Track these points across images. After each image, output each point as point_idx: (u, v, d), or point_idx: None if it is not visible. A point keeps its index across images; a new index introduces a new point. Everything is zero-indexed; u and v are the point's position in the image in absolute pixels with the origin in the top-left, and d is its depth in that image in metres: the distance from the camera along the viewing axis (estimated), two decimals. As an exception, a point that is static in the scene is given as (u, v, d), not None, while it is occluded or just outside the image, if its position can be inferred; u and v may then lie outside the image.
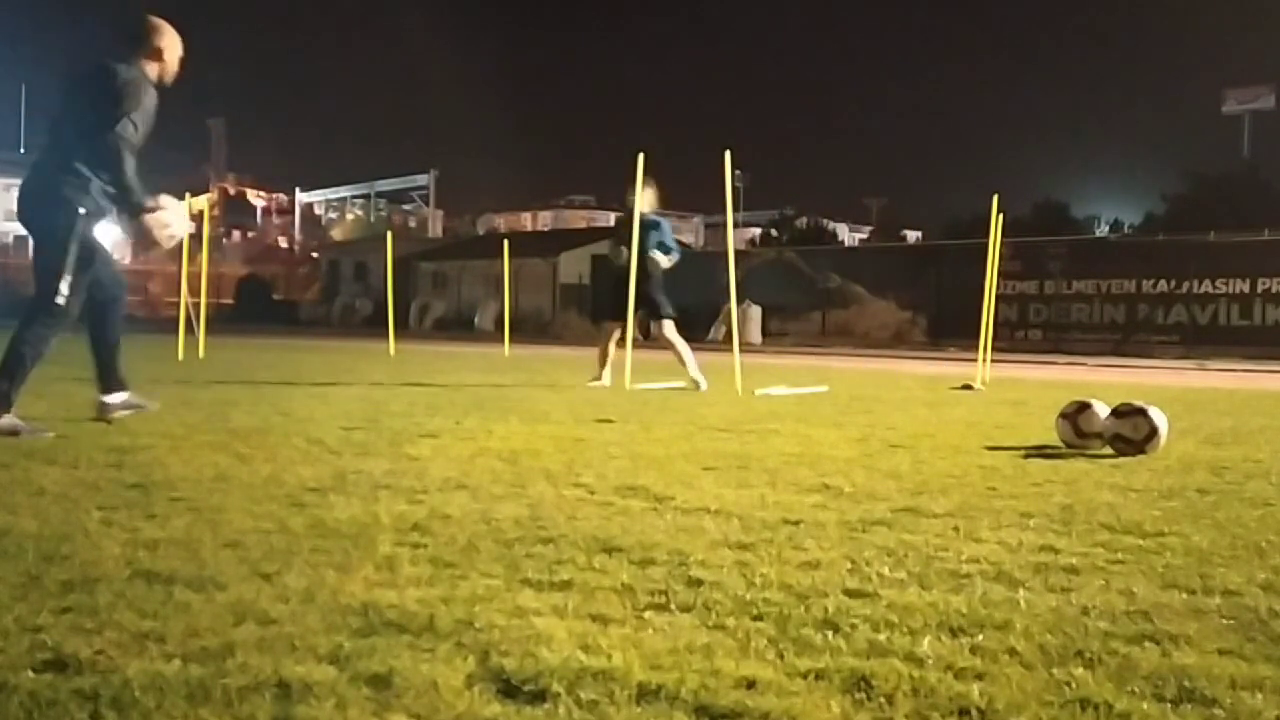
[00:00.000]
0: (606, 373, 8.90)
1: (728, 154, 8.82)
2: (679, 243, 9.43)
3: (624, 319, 8.80)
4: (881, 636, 1.96)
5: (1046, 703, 1.65)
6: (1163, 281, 24.25)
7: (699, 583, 2.31)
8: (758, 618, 2.07)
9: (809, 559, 2.57)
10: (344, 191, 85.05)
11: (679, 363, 8.96)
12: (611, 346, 9.00)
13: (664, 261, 8.91)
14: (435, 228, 76.75)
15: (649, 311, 8.98)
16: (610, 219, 65.23)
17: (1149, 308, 24.49)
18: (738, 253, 13.74)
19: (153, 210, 4.91)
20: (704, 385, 8.63)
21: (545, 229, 69.06)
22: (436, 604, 2.08)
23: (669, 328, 8.99)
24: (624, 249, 8.85)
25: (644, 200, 8.97)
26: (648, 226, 8.91)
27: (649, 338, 9.33)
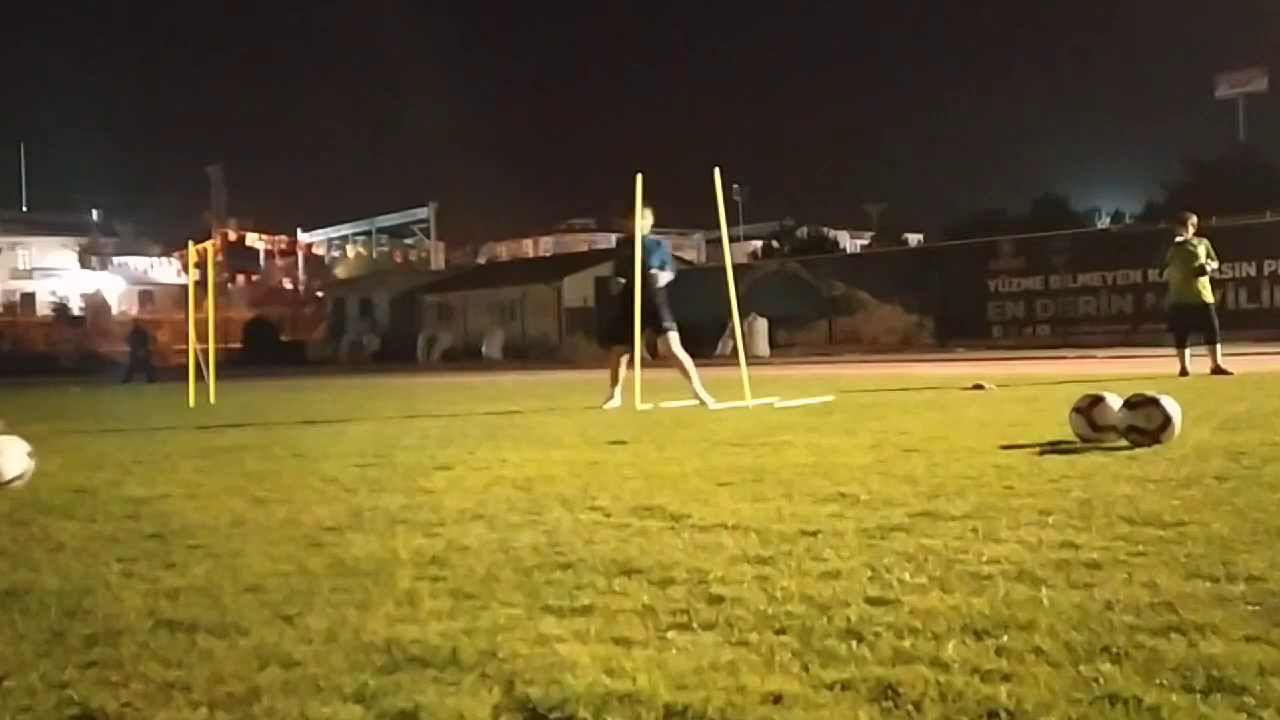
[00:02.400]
0: (618, 392, 8.98)
1: (717, 171, 8.92)
2: (678, 259, 9.64)
3: (630, 341, 8.88)
4: (906, 643, 1.95)
5: (1075, 700, 1.64)
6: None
7: (720, 600, 2.30)
8: (781, 631, 2.06)
9: (829, 569, 2.56)
10: (345, 229, 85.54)
11: (683, 378, 9.01)
12: (621, 368, 9.09)
13: (662, 278, 9.00)
14: (438, 260, 77.03)
15: (652, 326, 9.02)
16: (611, 240, 65.58)
17: (1156, 296, 24.44)
18: (741, 266, 13.75)
19: None
20: (711, 403, 8.61)
21: (547, 254, 69.26)
22: (459, 636, 2.08)
23: (673, 341, 9.04)
24: (619, 279, 9.08)
25: (648, 224, 9.17)
26: (647, 249, 9.04)
27: (656, 356, 9.39)
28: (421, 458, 5.39)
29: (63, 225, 75.25)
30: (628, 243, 9.12)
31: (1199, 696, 1.64)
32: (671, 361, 9.16)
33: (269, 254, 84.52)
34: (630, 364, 9.00)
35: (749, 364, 8.92)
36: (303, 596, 2.47)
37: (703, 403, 8.64)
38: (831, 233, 58.54)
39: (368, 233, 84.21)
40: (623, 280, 9.00)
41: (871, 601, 2.25)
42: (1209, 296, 11.56)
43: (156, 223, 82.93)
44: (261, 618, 2.29)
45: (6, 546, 3.24)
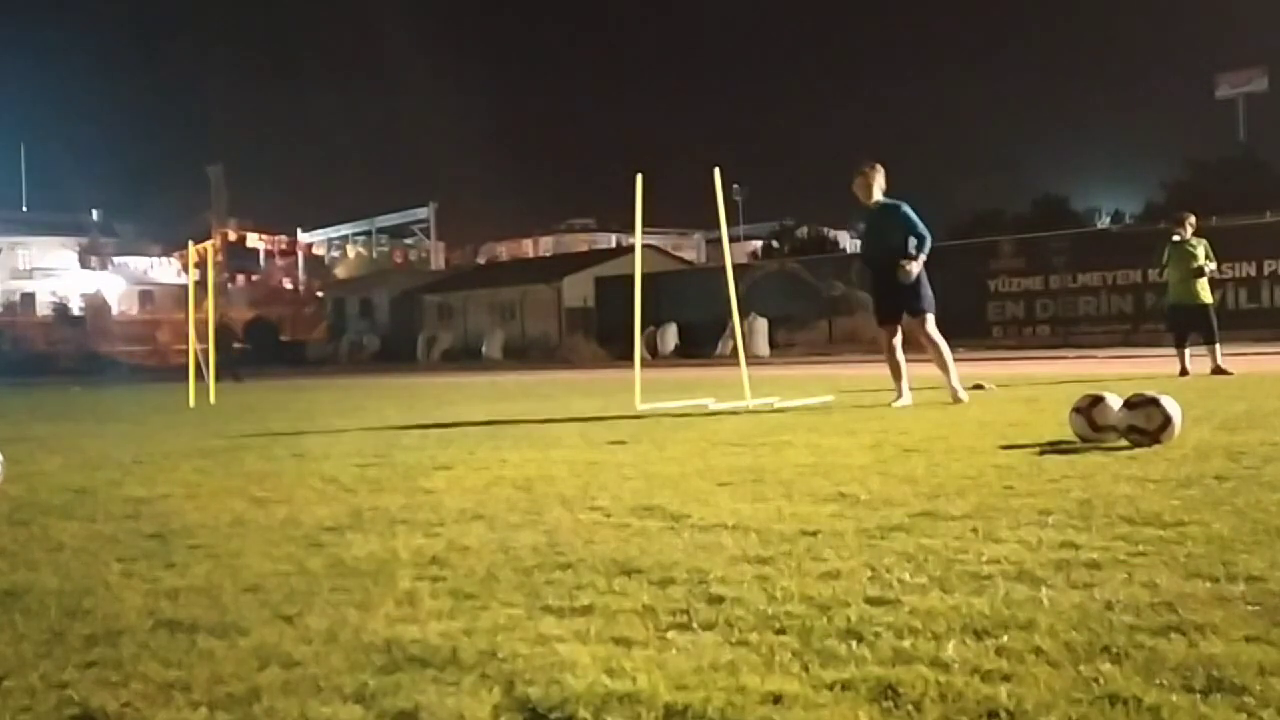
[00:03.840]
0: (905, 388, 8.03)
1: (717, 171, 8.91)
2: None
3: (894, 320, 8.22)
4: (906, 643, 1.95)
5: (1075, 700, 1.64)
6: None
7: (720, 600, 2.31)
8: (781, 631, 2.06)
9: (829, 569, 2.56)
10: (345, 229, 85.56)
11: (938, 369, 8.14)
12: (898, 357, 8.12)
13: (914, 268, 8.09)
14: (438, 260, 77.11)
15: (906, 308, 8.21)
16: (612, 240, 65.66)
17: (1156, 296, 24.44)
18: (741, 266, 13.76)
19: None
20: (964, 397, 7.91)
21: (547, 254, 69.31)
22: (459, 636, 2.08)
23: (928, 323, 8.15)
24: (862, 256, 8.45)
25: (876, 188, 8.29)
26: (889, 212, 8.25)
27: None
28: (421, 458, 5.39)
29: (63, 225, 75.19)
30: (869, 214, 8.36)
31: (1199, 696, 1.64)
32: (927, 348, 8.16)
33: (269, 254, 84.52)
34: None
35: (749, 364, 8.90)
36: (303, 596, 2.47)
37: (957, 398, 7.88)
38: (831, 233, 58.48)
39: (368, 233, 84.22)
40: (869, 265, 8.41)
41: (871, 601, 2.25)
42: (1208, 297, 11.56)
43: (156, 223, 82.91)
44: (261, 618, 2.29)
45: (6, 546, 3.25)
